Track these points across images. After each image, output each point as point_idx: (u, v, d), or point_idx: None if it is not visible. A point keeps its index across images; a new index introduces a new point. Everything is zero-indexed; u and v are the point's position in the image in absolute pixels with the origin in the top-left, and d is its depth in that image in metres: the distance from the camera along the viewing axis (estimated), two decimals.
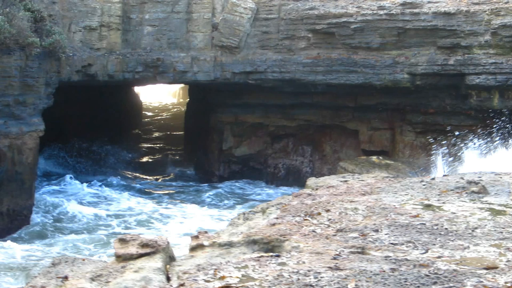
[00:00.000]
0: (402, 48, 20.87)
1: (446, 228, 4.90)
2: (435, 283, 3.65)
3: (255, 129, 25.30)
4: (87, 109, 28.77)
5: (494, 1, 19.50)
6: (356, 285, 3.63)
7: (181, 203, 22.40)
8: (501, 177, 7.28)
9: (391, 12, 20.46)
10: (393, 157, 22.54)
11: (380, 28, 20.69)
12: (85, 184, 23.62)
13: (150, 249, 4.35)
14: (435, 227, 4.92)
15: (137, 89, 39.63)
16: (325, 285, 3.64)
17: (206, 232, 4.99)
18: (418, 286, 3.61)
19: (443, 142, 20.13)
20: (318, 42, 21.78)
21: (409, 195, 6.26)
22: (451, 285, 3.61)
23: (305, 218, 5.31)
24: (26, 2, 19.28)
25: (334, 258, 4.13)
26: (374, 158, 21.40)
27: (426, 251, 4.31)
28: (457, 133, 20.01)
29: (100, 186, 23.84)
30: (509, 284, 3.60)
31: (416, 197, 6.15)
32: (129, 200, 22.30)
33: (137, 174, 27.54)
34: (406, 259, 4.10)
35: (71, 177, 24.20)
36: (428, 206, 5.71)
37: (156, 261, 4.22)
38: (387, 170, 19.19)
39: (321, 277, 3.76)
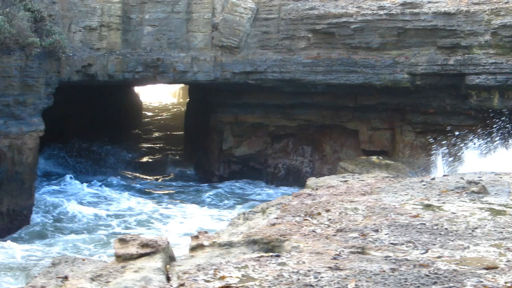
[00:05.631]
0: (402, 48, 20.87)
1: (446, 228, 4.90)
2: (435, 283, 3.65)
3: (255, 129, 25.30)
4: (87, 109, 28.77)
5: (494, 1, 19.49)
6: (356, 285, 3.63)
7: (181, 203, 22.39)
8: (501, 177, 7.27)
9: (391, 12, 20.46)
10: (393, 157, 22.54)
11: (380, 28, 20.69)
12: (85, 184, 23.62)
13: (150, 249, 4.36)
14: (435, 227, 4.92)
15: (137, 89, 39.63)
16: (325, 285, 3.64)
17: (206, 232, 4.99)
18: (418, 286, 3.61)
19: (443, 142, 20.13)
20: (318, 42, 21.78)
21: (409, 195, 6.26)
22: (451, 285, 3.61)
23: (305, 218, 5.31)
24: (26, 2, 19.28)
25: (334, 258, 4.13)
26: (374, 158, 21.40)
27: (426, 251, 4.31)
28: (457, 133, 20.01)
29: (100, 186, 23.84)
30: (509, 284, 3.60)
31: (416, 197, 6.15)
32: (129, 200, 22.30)
33: (137, 174, 27.54)
34: (406, 259, 4.10)
35: (71, 177, 24.19)
36: (428, 206, 5.71)
37: (156, 261, 4.22)
38: (387, 170, 19.19)
39: (321, 277, 3.76)
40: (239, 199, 23.07)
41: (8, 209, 18.50)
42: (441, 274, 3.78)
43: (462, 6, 19.78)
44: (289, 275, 3.80)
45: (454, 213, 5.42)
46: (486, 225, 5.01)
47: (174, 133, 36.09)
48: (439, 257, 4.17)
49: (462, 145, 19.04)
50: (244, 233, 4.88)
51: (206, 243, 4.65)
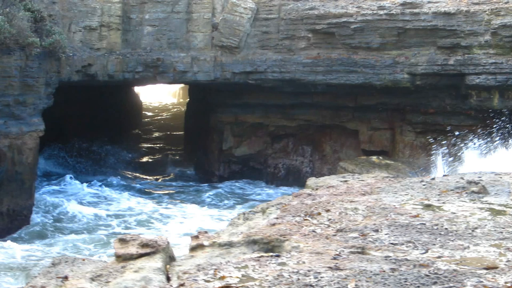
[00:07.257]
0: (402, 48, 20.87)
1: (446, 228, 4.90)
2: (435, 283, 3.65)
3: (255, 129, 25.29)
4: (87, 109, 28.77)
5: (494, 1, 19.50)
6: (356, 285, 3.63)
7: (181, 203, 22.39)
8: (501, 177, 7.27)
9: (391, 12, 20.46)
10: (393, 157, 22.54)
11: (380, 28, 20.69)
12: (85, 184, 23.62)
13: (150, 249, 4.36)
14: (435, 227, 4.92)
15: (137, 89, 39.63)
16: (325, 285, 3.64)
17: (206, 232, 4.99)
18: (418, 286, 3.61)
19: (443, 142, 20.13)
20: (318, 42, 21.78)
21: (409, 195, 6.26)
22: (451, 285, 3.61)
23: (305, 218, 5.31)
24: (26, 2, 19.28)
25: (334, 258, 4.13)
26: (374, 158, 21.39)
27: (426, 251, 4.31)
28: (457, 133, 20.01)
29: (100, 186, 23.83)
30: (509, 284, 3.60)
31: (416, 197, 6.15)
32: (129, 200, 22.30)
33: (137, 174, 27.53)
34: (406, 259, 4.10)
35: (71, 177, 24.19)
36: (428, 206, 5.71)
37: (156, 261, 4.22)
38: (387, 170, 19.18)
39: (321, 277, 3.76)
40: (239, 199, 23.07)
41: (8, 209, 18.50)
42: (441, 274, 3.78)
43: (462, 6, 19.78)
44: (289, 275, 3.80)
45: (454, 213, 5.42)
46: (486, 225, 5.01)
47: (174, 133, 36.09)
48: (439, 257, 4.17)
49: (462, 145, 19.04)
50: (244, 233, 4.88)
51: (206, 243, 4.65)
